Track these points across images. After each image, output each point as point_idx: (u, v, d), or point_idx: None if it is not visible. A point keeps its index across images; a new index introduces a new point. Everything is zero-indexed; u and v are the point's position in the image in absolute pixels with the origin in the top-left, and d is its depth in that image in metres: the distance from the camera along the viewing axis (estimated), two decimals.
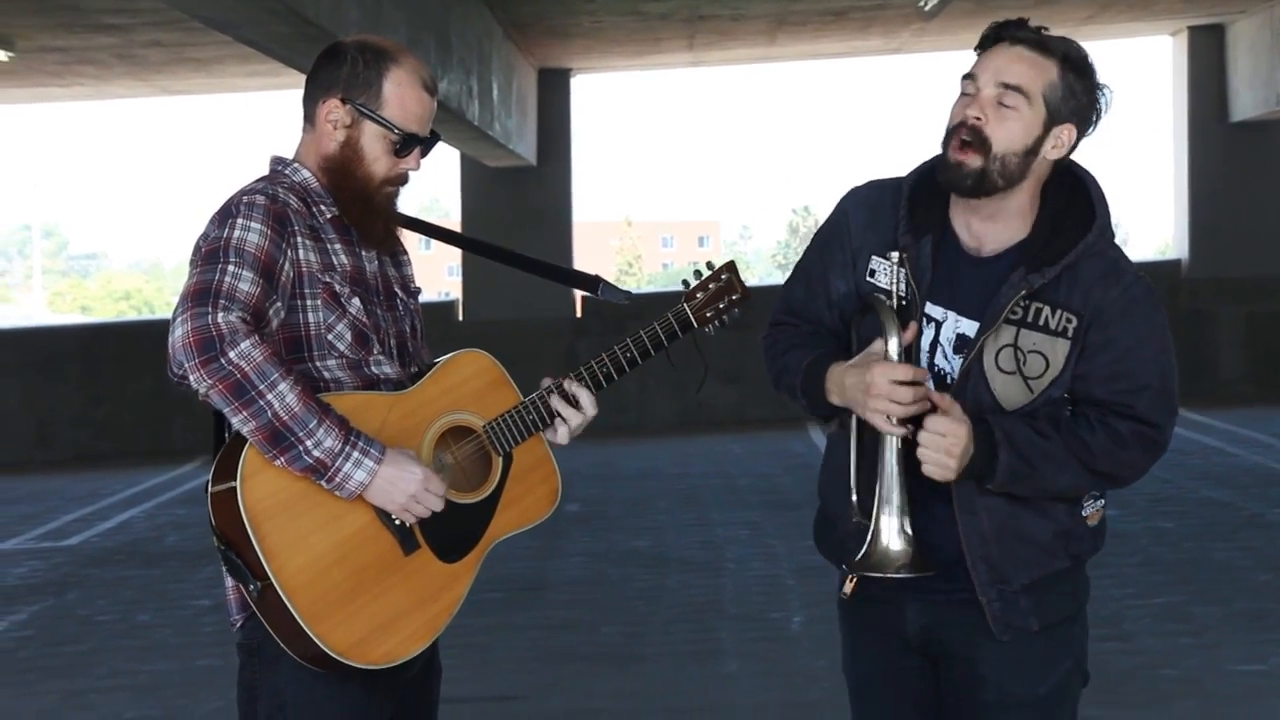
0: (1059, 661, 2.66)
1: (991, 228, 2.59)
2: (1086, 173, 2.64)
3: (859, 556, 2.56)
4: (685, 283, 2.90)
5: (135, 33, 11.58)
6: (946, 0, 11.79)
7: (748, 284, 2.91)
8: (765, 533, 9.01)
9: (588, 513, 10.07)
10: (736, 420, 14.77)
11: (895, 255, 2.57)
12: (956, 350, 2.58)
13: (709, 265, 2.93)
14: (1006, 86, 2.52)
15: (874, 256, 2.63)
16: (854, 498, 2.61)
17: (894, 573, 2.54)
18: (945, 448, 2.49)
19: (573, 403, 2.80)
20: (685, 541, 8.89)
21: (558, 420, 2.80)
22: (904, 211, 2.61)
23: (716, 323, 2.89)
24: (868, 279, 2.63)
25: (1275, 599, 6.80)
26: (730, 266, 2.91)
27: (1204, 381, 15.19)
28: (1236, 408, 14.24)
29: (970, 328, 2.57)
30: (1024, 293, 2.53)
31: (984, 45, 2.58)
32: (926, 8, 12.14)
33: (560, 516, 9.22)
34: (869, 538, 2.55)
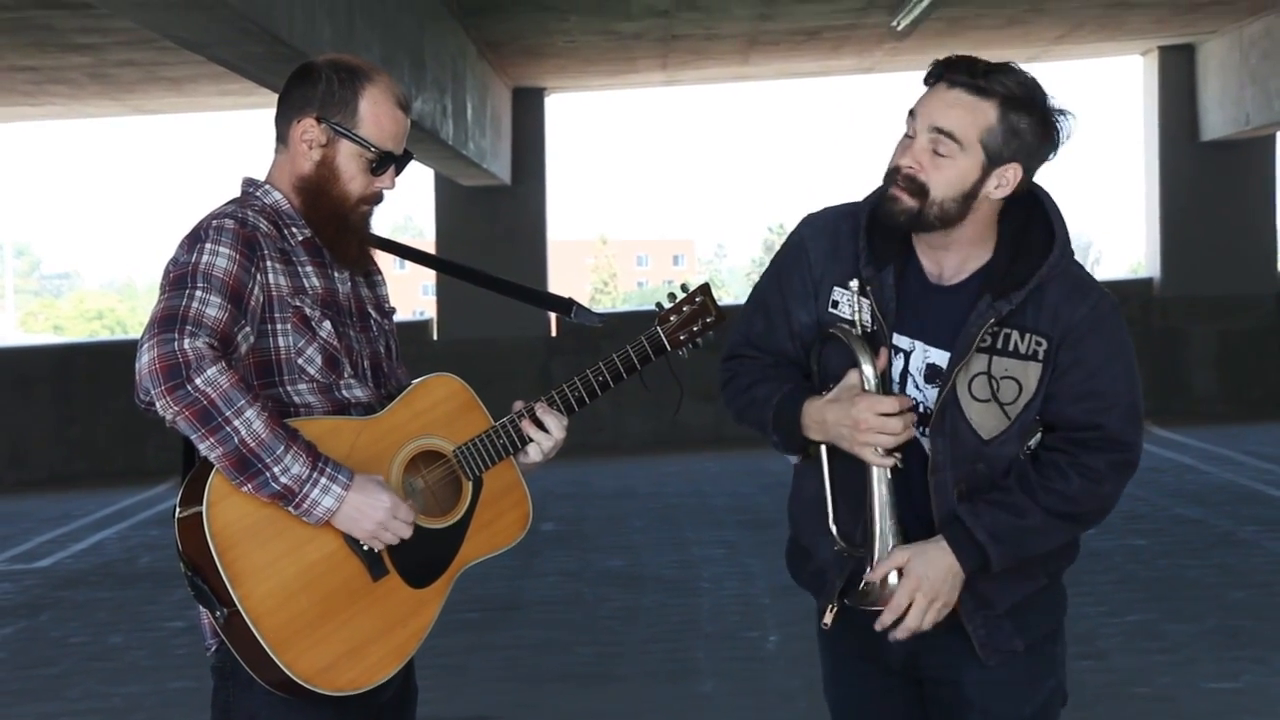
0: (1043, 682, 2.67)
1: (947, 256, 2.60)
2: (1043, 191, 2.63)
3: (860, 589, 2.56)
4: (659, 305, 2.90)
5: (107, 52, 11.55)
6: (919, 20, 11.85)
7: (723, 303, 2.92)
8: (741, 552, 9.01)
9: (563, 532, 10.06)
10: (712, 439, 14.77)
11: (854, 284, 2.58)
12: (928, 380, 2.58)
13: (683, 288, 2.93)
14: (939, 132, 2.51)
15: (836, 287, 2.62)
16: (833, 528, 2.60)
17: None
18: (918, 594, 2.51)
19: (543, 428, 2.79)
20: (661, 561, 8.88)
21: (529, 444, 2.80)
22: (863, 242, 2.60)
23: (690, 345, 2.90)
24: (830, 310, 2.62)
25: (1247, 616, 6.83)
26: (704, 289, 2.92)
27: (1176, 399, 15.26)
28: (1209, 425, 14.30)
29: (940, 357, 2.57)
30: (993, 320, 2.53)
31: (929, 82, 2.57)
32: (899, 27, 12.21)
33: (536, 536, 9.21)
34: (869, 570, 2.55)
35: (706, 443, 14.73)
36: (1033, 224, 2.60)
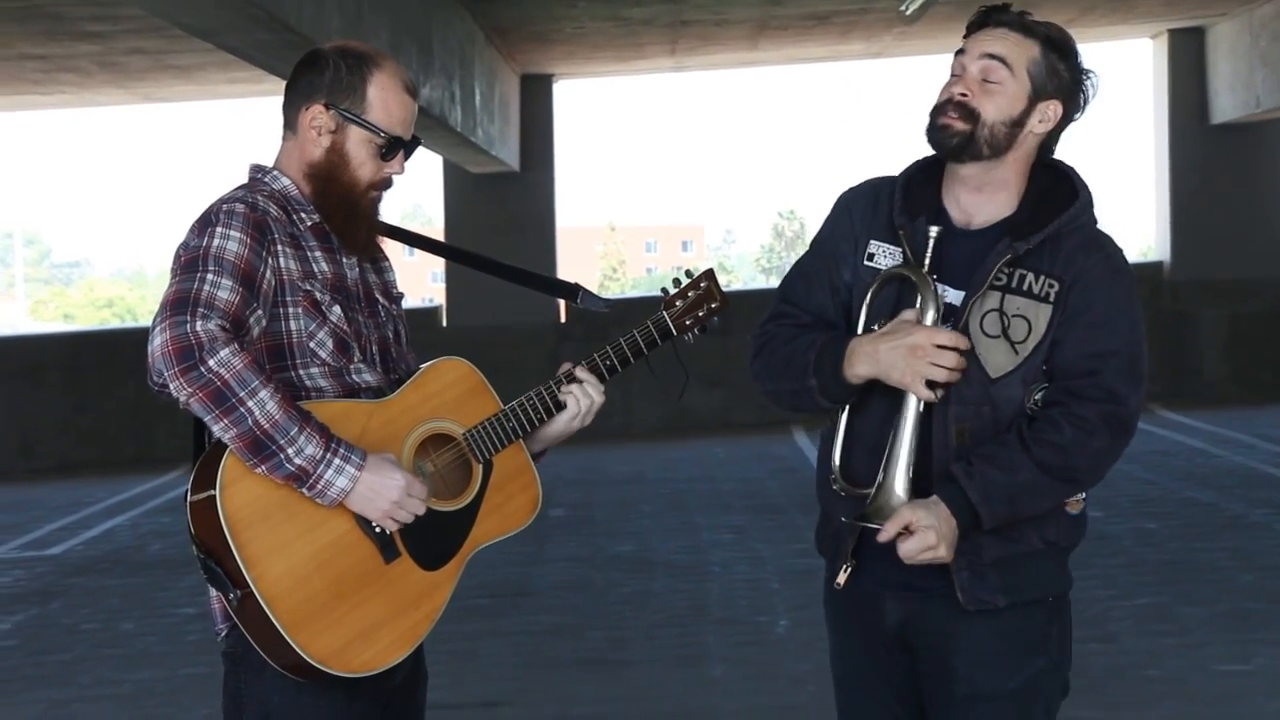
0: (1031, 658, 2.68)
1: (979, 199, 2.68)
2: (1070, 166, 2.73)
3: (866, 506, 2.61)
4: (664, 290, 2.91)
5: (116, 40, 11.56)
6: (928, 4, 11.82)
7: (732, 288, 2.94)
8: (750, 537, 9.02)
9: (573, 518, 10.07)
10: (721, 424, 14.78)
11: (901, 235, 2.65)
12: (943, 320, 2.63)
13: (687, 273, 2.94)
14: (991, 57, 2.62)
15: (872, 240, 2.70)
16: (836, 463, 2.68)
17: None
18: (927, 544, 2.57)
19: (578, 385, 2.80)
20: (670, 546, 8.89)
21: (562, 410, 2.80)
22: (899, 196, 2.70)
23: (696, 330, 2.91)
24: (866, 263, 2.70)
25: (1258, 599, 6.83)
26: (709, 275, 2.93)
27: (1187, 383, 15.24)
28: (1219, 409, 14.28)
29: (956, 297, 2.64)
30: (1008, 257, 2.61)
31: (970, 32, 2.69)
32: (908, 12, 12.18)
33: (545, 522, 9.23)
34: (876, 488, 2.61)
35: (715, 428, 14.74)
36: (1058, 187, 2.69)
